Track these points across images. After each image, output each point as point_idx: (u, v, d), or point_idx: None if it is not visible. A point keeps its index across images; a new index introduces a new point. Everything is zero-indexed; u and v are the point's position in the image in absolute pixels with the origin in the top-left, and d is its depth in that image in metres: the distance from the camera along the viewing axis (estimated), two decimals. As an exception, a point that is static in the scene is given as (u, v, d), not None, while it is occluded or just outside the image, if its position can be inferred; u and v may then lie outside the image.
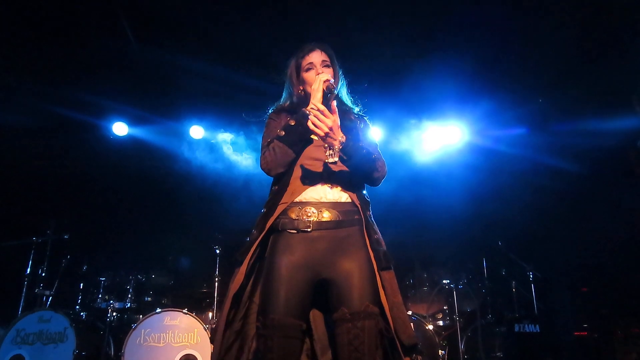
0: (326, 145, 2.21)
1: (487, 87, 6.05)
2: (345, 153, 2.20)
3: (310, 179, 2.28)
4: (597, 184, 6.19)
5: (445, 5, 5.25)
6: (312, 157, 2.32)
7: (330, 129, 2.13)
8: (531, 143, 6.49)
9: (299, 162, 2.31)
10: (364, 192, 2.41)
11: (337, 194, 2.28)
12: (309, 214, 2.22)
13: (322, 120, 2.12)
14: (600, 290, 6.31)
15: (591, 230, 6.23)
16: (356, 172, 2.32)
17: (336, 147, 2.16)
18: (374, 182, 2.40)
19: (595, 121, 5.90)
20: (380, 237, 2.31)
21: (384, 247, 2.28)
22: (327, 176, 2.29)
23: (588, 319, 6.24)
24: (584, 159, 6.11)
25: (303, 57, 2.44)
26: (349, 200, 2.29)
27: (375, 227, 2.33)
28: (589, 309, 6.30)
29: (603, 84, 5.68)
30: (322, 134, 2.14)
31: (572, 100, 5.96)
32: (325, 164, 2.29)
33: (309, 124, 2.15)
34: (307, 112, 2.22)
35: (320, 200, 2.26)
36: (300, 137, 2.26)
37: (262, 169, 2.31)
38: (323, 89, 2.26)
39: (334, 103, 2.19)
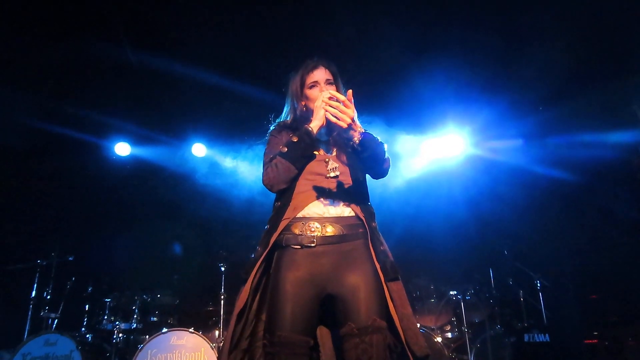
0: (328, 160, 2.22)
1: (488, 97, 6.07)
2: (363, 144, 2.20)
3: (313, 193, 2.29)
4: (604, 192, 6.18)
5: (445, 17, 5.29)
6: (314, 172, 2.32)
7: (352, 119, 2.15)
8: (536, 153, 6.48)
9: (301, 178, 2.31)
10: (368, 203, 2.40)
11: (340, 208, 2.28)
12: (313, 229, 2.21)
13: (343, 111, 2.13)
14: (609, 297, 6.26)
15: (598, 237, 6.20)
16: (371, 163, 2.31)
17: (356, 138, 2.17)
18: (383, 172, 2.40)
19: (599, 131, 5.91)
20: (387, 248, 2.30)
21: (391, 258, 2.26)
22: (329, 191, 2.29)
23: (598, 326, 6.18)
24: (591, 168, 6.10)
25: (307, 73, 2.45)
26: (353, 213, 2.29)
27: (381, 238, 2.32)
28: (598, 317, 6.25)
29: (604, 95, 5.71)
30: (345, 125, 2.15)
31: (576, 110, 5.97)
32: (327, 179, 2.30)
33: (329, 116, 2.16)
34: (310, 128, 2.25)
35: (323, 215, 2.25)
36: (302, 153, 2.27)
37: (265, 185, 2.31)
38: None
39: (350, 92, 2.19)
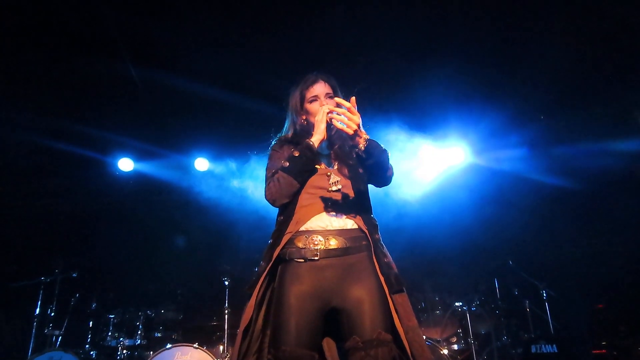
0: (330, 174, 2.25)
1: (491, 106, 6.07)
2: (368, 151, 2.19)
3: (315, 207, 2.29)
4: (609, 200, 6.16)
5: (446, 26, 5.32)
6: (316, 186, 2.33)
7: (358, 126, 2.15)
8: (539, 162, 6.46)
9: (303, 192, 2.32)
10: (371, 215, 2.39)
11: (343, 221, 2.28)
12: (316, 243, 2.21)
13: (350, 118, 2.14)
14: (617, 306, 6.22)
15: (604, 246, 6.17)
16: (375, 170, 2.31)
17: (361, 145, 2.17)
18: (387, 180, 2.41)
19: (603, 139, 5.91)
20: (391, 260, 2.29)
21: (395, 270, 2.25)
22: (332, 204, 2.29)
23: (606, 336, 6.13)
24: (596, 176, 6.08)
25: (307, 88, 2.47)
26: (356, 226, 2.28)
27: (385, 250, 2.30)
28: (606, 326, 6.19)
29: (608, 103, 5.72)
30: (351, 132, 2.15)
31: (580, 118, 5.97)
32: (329, 192, 2.31)
33: (335, 123, 2.16)
34: (311, 142, 2.27)
35: (327, 228, 2.25)
36: (304, 167, 2.28)
37: (267, 199, 2.33)
38: (326, 120, 2.31)
39: (354, 99, 2.18)
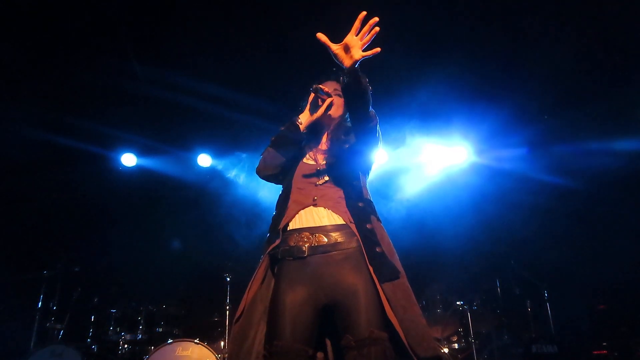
0: (319, 168, 2.36)
1: (493, 106, 6.05)
2: (351, 73, 2.20)
3: (304, 202, 2.31)
4: (611, 200, 6.14)
5: (449, 26, 5.31)
6: (305, 182, 2.37)
7: (349, 45, 2.21)
8: (542, 161, 6.45)
9: (293, 187, 2.36)
10: (362, 204, 2.32)
11: (331, 216, 2.27)
12: (305, 240, 2.22)
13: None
14: (618, 306, 6.21)
15: (606, 246, 6.15)
16: (356, 104, 2.30)
17: (347, 63, 2.20)
18: (370, 125, 2.36)
19: (605, 139, 5.89)
20: (388, 248, 2.24)
21: (390, 259, 2.18)
22: (320, 198, 2.30)
23: (607, 337, 6.12)
24: (598, 176, 6.06)
25: (318, 85, 2.58)
26: (344, 220, 2.27)
27: (378, 239, 2.22)
28: (607, 327, 6.18)
29: (609, 103, 5.70)
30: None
31: (582, 118, 5.95)
32: (317, 187, 2.33)
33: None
34: (297, 118, 2.46)
35: (315, 224, 2.26)
36: (285, 140, 2.44)
37: (256, 173, 2.55)
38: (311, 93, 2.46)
39: (363, 14, 2.23)
